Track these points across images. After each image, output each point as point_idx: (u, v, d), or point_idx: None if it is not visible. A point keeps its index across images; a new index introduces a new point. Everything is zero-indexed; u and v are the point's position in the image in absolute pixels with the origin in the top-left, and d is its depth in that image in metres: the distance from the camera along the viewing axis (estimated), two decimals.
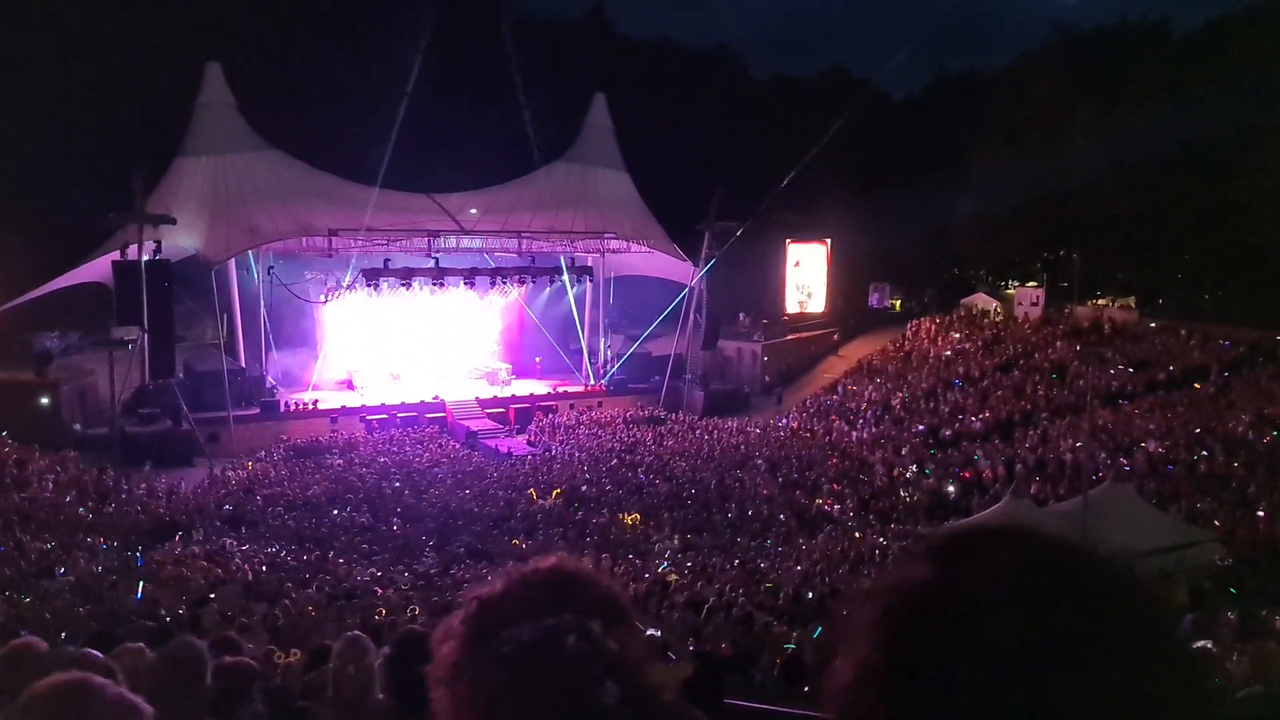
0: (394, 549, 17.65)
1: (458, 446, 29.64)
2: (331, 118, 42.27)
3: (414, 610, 10.78)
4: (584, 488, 22.69)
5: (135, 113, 38.34)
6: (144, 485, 23.19)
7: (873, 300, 47.32)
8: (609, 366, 37.72)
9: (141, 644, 3.91)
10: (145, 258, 24.84)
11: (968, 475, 21.70)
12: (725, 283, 34.89)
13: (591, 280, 36.42)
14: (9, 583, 13.34)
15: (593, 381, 37.10)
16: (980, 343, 34.70)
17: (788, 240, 42.00)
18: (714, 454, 26.49)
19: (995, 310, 39.27)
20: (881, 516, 20.19)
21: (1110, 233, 37.02)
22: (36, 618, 10.26)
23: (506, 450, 28.72)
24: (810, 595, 12.24)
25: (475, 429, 31.30)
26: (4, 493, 19.88)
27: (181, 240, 29.20)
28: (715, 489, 22.31)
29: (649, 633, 8.47)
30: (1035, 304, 38.24)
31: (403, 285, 31.58)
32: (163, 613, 10.82)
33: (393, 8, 51.34)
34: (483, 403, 33.43)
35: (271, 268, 31.29)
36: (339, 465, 26.12)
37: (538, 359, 37.88)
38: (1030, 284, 42.49)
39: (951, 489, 20.98)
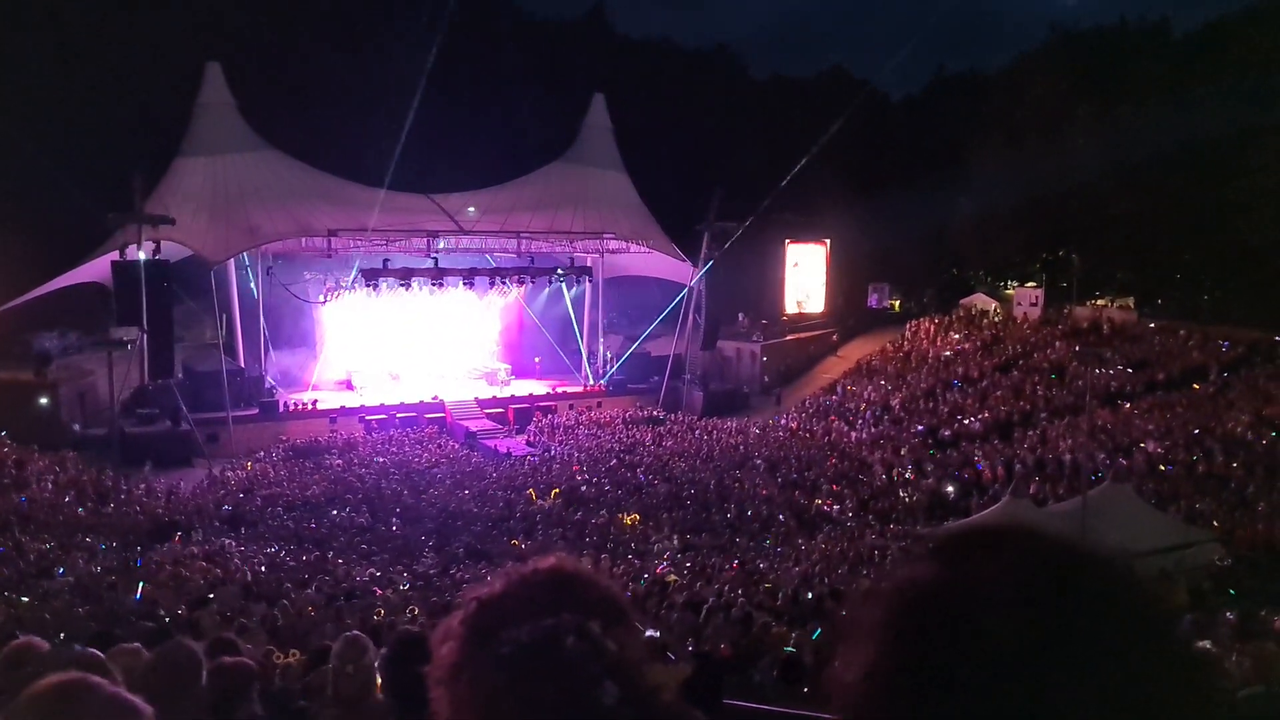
0: (393, 549, 17.64)
1: (457, 447, 29.62)
2: (331, 118, 42.30)
3: (413, 611, 10.77)
4: (583, 488, 22.69)
5: (135, 113, 38.34)
6: (143, 486, 23.18)
7: (872, 300, 47.33)
8: (608, 367, 37.72)
9: (137, 644, 3.90)
10: (144, 258, 24.85)
11: (966, 476, 21.72)
12: (724, 283, 34.89)
13: (591, 280, 36.43)
14: (8, 583, 13.33)
15: (592, 382, 37.10)
16: (979, 343, 34.71)
17: (787, 240, 42.01)
18: (713, 454, 26.48)
19: (994, 311, 39.28)
20: (880, 517, 20.21)
21: (1109, 233, 37.04)
22: (36, 618, 10.24)
23: (505, 450, 28.72)
24: (809, 596, 12.23)
25: (474, 429, 31.29)
26: (3, 493, 19.88)
27: (181, 240, 29.19)
28: (714, 489, 22.30)
29: (648, 633, 8.46)
30: (1034, 304, 38.26)
31: (402, 285, 31.57)
32: (162, 613, 10.81)
33: (393, 8, 51.39)
34: (482, 403, 33.43)
35: (270, 268, 31.29)
36: (338, 465, 26.11)
37: (537, 359, 37.90)
38: (1029, 284, 42.51)
39: (950, 489, 20.99)
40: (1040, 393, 27.78)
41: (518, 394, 34.80)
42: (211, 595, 12.31)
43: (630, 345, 37.65)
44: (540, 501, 21.70)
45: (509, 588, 1.04)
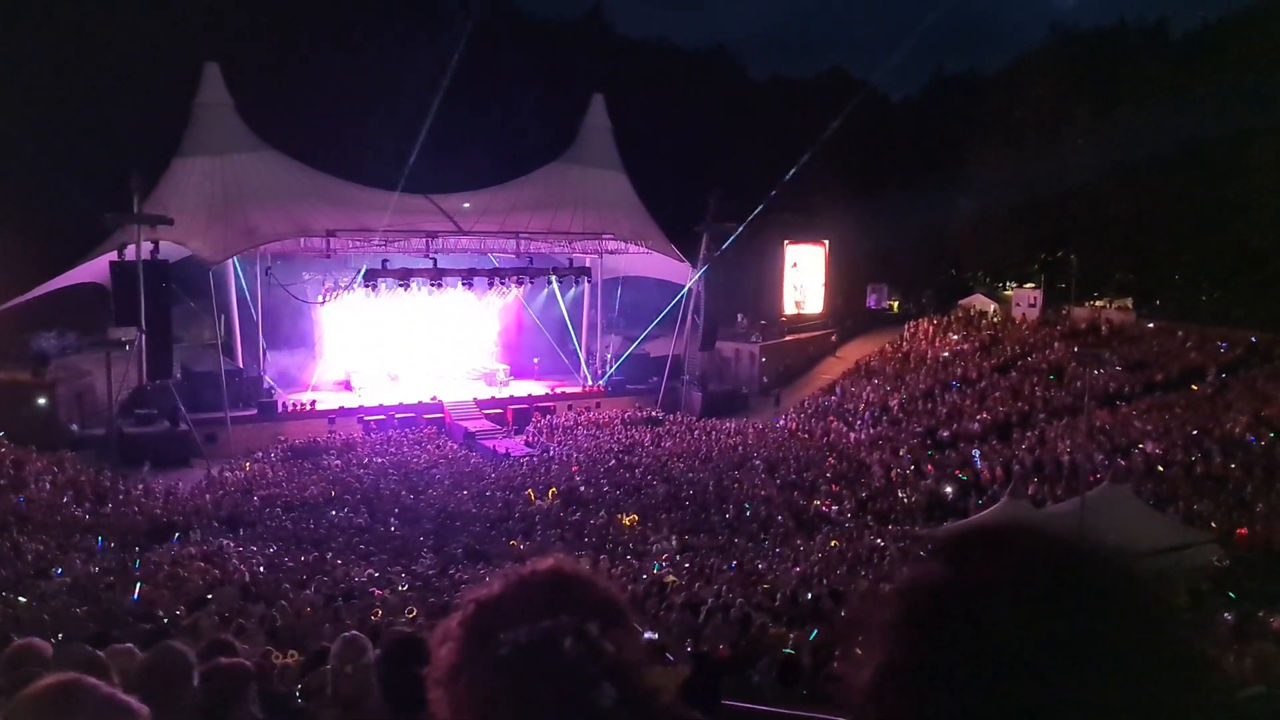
0: (392, 550, 17.62)
1: (455, 447, 29.60)
2: (330, 118, 42.25)
3: (412, 611, 10.76)
4: (582, 489, 22.68)
5: (134, 113, 38.30)
6: (141, 486, 23.15)
7: (870, 301, 47.37)
8: (607, 367, 37.72)
9: (131, 645, 3.89)
10: (143, 258, 24.83)
11: (965, 477, 21.73)
12: (723, 283, 34.89)
13: (590, 281, 36.42)
14: (6, 584, 13.30)
15: (591, 382, 37.10)
16: (978, 344, 34.75)
17: (786, 241, 42.02)
18: (712, 455, 26.48)
19: (993, 311, 39.33)
20: (879, 517, 20.21)
21: (1108, 233, 37.07)
22: (33, 619, 10.22)
23: (504, 451, 28.71)
24: (808, 596, 12.23)
25: (473, 430, 31.28)
26: (1, 493, 19.86)
27: (179, 240, 29.18)
28: (713, 490, 22.29)
29: (646, 634, 8.47)
30: (1033, 305, 38.32)
31: (401, 286, 31.56)
32: (160, 614, 10.80)
33: (393, 8, 51.42)
34: (481, 403, 33.42)
35: (269, 268, 31.25)
36: (337, 466, 26.07)
37: (536, 360, 37.90)
38: (1028, 285, 42.55)
39: (949, 490, 21.00)
40: (1039, 393, 27.81)
41: (516, 394, 34.79)
42: (210, 596, 12.29)
43: (629, 346, 37.65)
44: (539, 502, 21.69)
45: (507, 589, 1.04)
